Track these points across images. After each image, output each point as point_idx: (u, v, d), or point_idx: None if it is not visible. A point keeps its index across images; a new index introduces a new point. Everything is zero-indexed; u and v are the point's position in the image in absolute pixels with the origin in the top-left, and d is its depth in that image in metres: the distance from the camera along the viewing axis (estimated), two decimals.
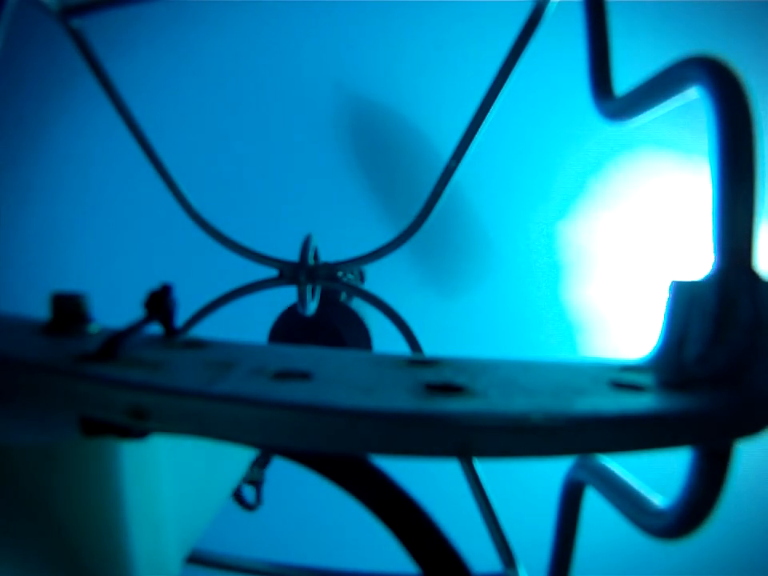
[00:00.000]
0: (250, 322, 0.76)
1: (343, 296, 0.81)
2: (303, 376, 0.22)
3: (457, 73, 1.27)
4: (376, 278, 0.88)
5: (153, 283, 0.26)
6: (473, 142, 0.57)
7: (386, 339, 0.72)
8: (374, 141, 1.38)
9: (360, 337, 0.77)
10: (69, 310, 0.26)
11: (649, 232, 1.28)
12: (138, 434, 0.24)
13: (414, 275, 1.38)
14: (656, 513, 0.25)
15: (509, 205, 1.35)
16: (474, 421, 0.19)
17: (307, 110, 1.35)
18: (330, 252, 0.73)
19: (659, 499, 0.25)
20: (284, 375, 0.22)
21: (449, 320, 1.35)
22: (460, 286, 1.42)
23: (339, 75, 1.33)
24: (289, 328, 0.75)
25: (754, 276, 0.23)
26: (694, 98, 0.26)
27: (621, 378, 0.24)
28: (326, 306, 0.72)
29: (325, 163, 1.36)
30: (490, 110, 0.55)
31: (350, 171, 1.38)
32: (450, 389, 0.21)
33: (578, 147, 1.26)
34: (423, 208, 0.63)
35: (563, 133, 1.22)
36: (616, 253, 1.31)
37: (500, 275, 1.38)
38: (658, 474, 0.37)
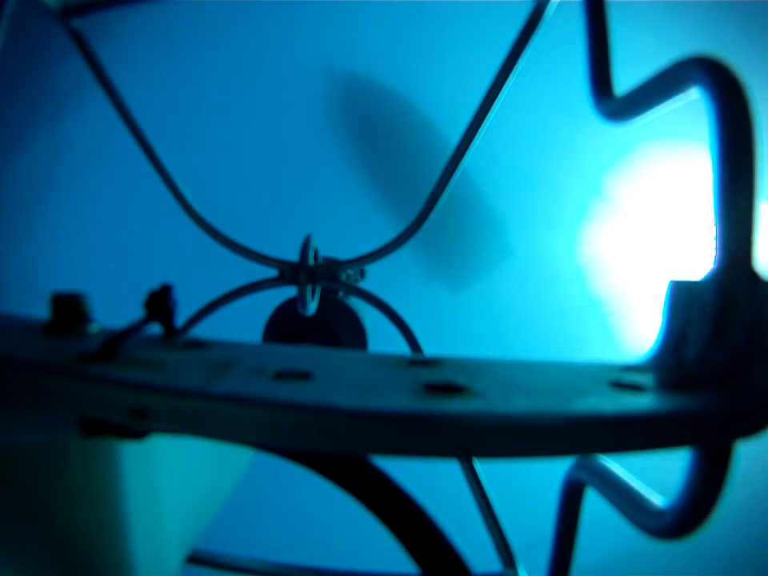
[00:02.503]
0: (250, 322, 0.76)
1: (341, 293, 0.81)
2: (303, 376, 0.22)
3: (457, 50, 1.26)
4: (380, 271, 0.87)
5: (153, 283, 0.26)
6: (474, 139, 0.57)
7: (386, 339, 0.72)
8: (371, 125, 1.37)
9: (356, 334, 0.77)
10: (69, 309, 0.26)
11: (660, 225, 1.27)
12: (139, 433, 0.24)
13: (420, 267, 1.37)
14: (656, 513, 0.25)
15: (520, 191, 1.33)
16: (474, 421, 0.19)
17: (303, 100, 1.34)
18: (330, 246, 0.73)
19: (659, 499, 0.25)
20: (284, 375, 0.22)
21: (456, 313, 1.35)
22: (468, 277, 1.40)
23: (331, 59, 1.31)
24: (284, 325, 0.75)
25: (753, 276, 0.23)
26: (694, 98, 0.26)
27: (621, 378, 0.24)
28: (323, 303, 0.72)
29: (323, 156, 1.36)
30: (491, 109, 0.55)
31: (349, 160, 1.37)
32: (450, 389, 0.21)
33: (591, 134, 1.25)
34: (426, 204, 0.63)
35: (575, 120, 1.21)
36: (628, 245, 1.31)
37: (511, 265, 1.37)
38: (658, 474, 0.37)
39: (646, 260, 1.28)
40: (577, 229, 1.32)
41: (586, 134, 1.24)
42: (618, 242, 1.32)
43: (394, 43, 1.29)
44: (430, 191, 0.62)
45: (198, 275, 0.87)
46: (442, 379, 0.22)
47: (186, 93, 1.28)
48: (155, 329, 0.26)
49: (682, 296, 0.26)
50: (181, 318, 0.40)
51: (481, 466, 0.59)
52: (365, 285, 0.80)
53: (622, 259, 1.31)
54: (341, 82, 1.34)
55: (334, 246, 0.75)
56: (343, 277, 0.68)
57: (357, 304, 0.79)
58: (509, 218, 1.35)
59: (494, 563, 0.58)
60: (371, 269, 0.88)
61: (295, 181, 1.33)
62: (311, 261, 0.67)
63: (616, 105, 0.36)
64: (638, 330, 1.27)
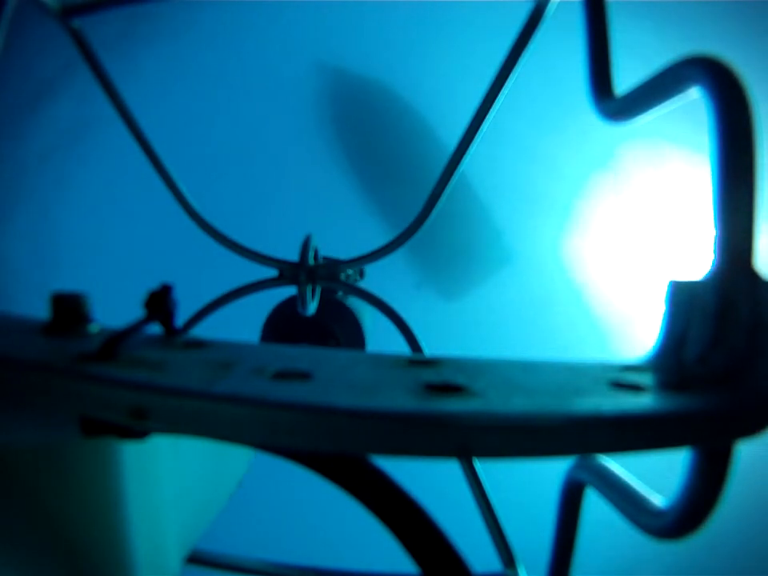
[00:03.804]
0: (250, 322, 0.76)
1: (340, 293, 0.81)
2: (303, 376, 0.22)
3: (451, 45, 1.24)
4: (376, 278, 0.87)
5: (153, 283, 0.26)
6: (474, 140, 0.57)
7: (386, 339, 0.72)
8: (363, 123, 1.36)
9: (354, 335, 0.77)
10: (69, 309, 0.26)
11: (656, 229, 1.27)
12: (139, 434, 0.24)
13: (413, 274, 1.36)
14: (656, 513, 0.25)
15: (519, 198, 1.32)
16: (474, 421, 0.19)
17: (296, 97, 1.33)
18: (324, 246, 0.73)
19: (659, 499, 0.25)
20: (284, 375, 0.22)
21: (449, 323, 1.34)
22: (462, 286, 1.40)
23: (322, 55, 1.30)
24: (281, 325, 0.75)
25: (753, 276, 0.23)
26: (694, 97, 0.26)
27: (621, 378, 0.24)
28: (321, 304, 0.72)
29: (317, 155, 1.35)
30: (490, 110, 0.55)
31: (340, 159, 1.36)
32: (449, 389, 0.21)
33: (588, 141, 1.24)
34: (424, 207, 0.63)
35: (574, 126, 1.20)
36: (624, 249, 1.30)
37: (506, 273, 1.36)
38: (658, 474, 0.37)
39: (645, 263, 1.27)
40: (575, 235, 1.32)
41: (587, 137, 1.24)
42: (618, 244, 1.31)
43: (386, 38, 1.28)
44: (429, 192, 0.62)
45: (198, 275, 0.87)
46: (442, 379, 0.22)
47: (181, 92, 1.28)
48: (155, 329, 0.26)
49: (682, 296, 0.26)
50: (181, 318, 0.40)
51: (481, 466, 0.59)
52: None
53: (624, 263, 1.31)
54: (331, 78, 1.33)
55: (329, 246, 0.75)
56: (342, 277, 0.68)
57: (355, 305, 0.79)
58: (506, 225, 1.34)
59: (494, 563, 0.58)
60: (367, 278, 0.88)
61: (290, 181, 1.32)
62: (311, 261, 0.67)
63: (616, 105, 0.36)
64: (637, 337, 1.27)
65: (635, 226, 1.29)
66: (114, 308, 0.33)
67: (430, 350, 0.65)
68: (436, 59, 1.27)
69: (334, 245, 0.75)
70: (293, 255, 0.67)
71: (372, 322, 0.81)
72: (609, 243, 1.32)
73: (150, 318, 0.25)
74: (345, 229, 1.22)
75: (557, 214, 1.31)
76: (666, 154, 1.23)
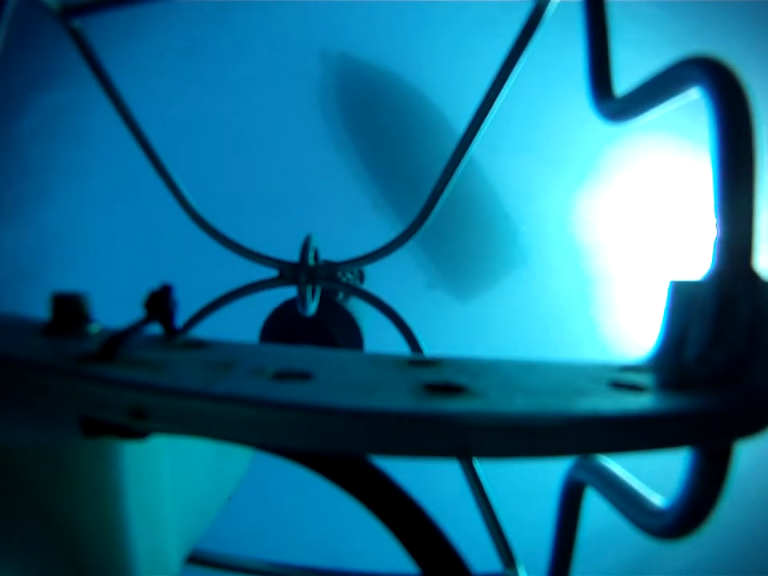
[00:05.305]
0: (250, 322, 0.76)
1: (340, 295, 0.81)
2: (303, 376, 0.22)
3: (458, 29, 1.23)
4: (381, 277, 0.86)
5: (153, 283, 0.26)
6: (475, 138, 0.57)
7: (384, 344, 0.72)
8: (370, 111, 1.33)
9: (352, 337, 0.77)
10: (69, 309, 0.26)
11: (662, 228, 1.26)
12: (139, 434, 0.24)
13: (426, 273, 1.35)
14: (656, 513, 0.25)
15: (533, 191, 1.30)
16: (474, 421, 0.19)
17: (299, 88, 1.32)
18: (328, 245, 0.72)
19: (659, 499, 0.25)
20: (284, 375, 0.22)
21: (463, 324, 1.32)
22: (477, 286, 1.38)
23: (326, 41, 1.28)
24: (280, 328, 0.75)
25: (753, 276, 0.23)
26: (694, 98, 0.26)
27: (621, 378, 0.24)
28: (320, 306, 0.72)
29: (320, 149, 1.33)
30: (492, 108, 0.55)
31: (346, 151, 1.34)
32: (450, 389, 0.21)
33: (608, 136, 1.23)
34: (427, 203, 0.62)
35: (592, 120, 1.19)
36: (640, 251, 1.30)
37: (521, 273, 1.34)
38: (658, 474, 0.37)
39: (656, 265, 1.27)
40: (587, 234, 1.31)
41: (598, 137, 1.23)
42: (629, 242, 1.30)
43: (392, 24, 1.27)
44: (431, 190, 0.62)
45: (198, 275, 0.87)
46: (442, 379, 0.22)
47: (182, 85, 1.28)
48: (155, 329, 0.26)
49: (682, 296, 0.26)
50: (181, 318, 0.40)
51: (481, 466, 0.59)
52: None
53: (634, 262, 1.30)
54: (336, 66, 1.31)
55: (332, 245, 0.74)
56: (344, 280, 0.68)
57: (354, 308, 0.79)
58: (522, 224, 1.33)
59: (494, 563, 0.58)
60: (373, 275, 0.87)
61: (293, 176, 1.32)
62: (311, 261, 0.67)
63: (616, 105, 0.36)
64: (647, 337, 1.27)
65: (643, 224, 1.29)
66: (114, 308, 0.33)
67: (443, 350, 0.65)
68: (444, 44, 1.25)
69: (339, 243, 0.75)
70: (295, 255, 0.67)
71: (371, 324, 0.81)
72: (619, 242, 1.31)
73: (150, 318, 0.25)
74: (352, 226, 1.21)
75: (572, 212, 1.30)
76: (672, 149, 1.22)
